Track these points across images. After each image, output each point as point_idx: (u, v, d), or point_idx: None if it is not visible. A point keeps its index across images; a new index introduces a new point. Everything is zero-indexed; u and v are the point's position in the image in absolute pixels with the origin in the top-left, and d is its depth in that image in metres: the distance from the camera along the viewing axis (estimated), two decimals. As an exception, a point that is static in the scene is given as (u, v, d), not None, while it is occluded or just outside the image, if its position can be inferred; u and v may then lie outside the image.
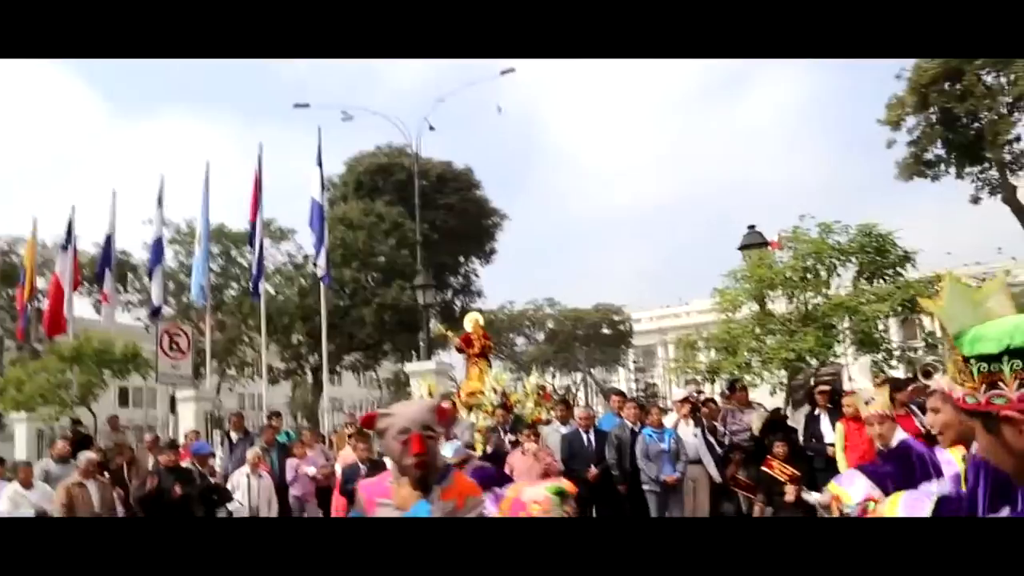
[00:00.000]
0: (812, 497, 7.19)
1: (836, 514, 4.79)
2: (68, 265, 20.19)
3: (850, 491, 4.64)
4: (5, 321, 26.60)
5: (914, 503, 3.06)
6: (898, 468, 4.15)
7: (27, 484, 8.50)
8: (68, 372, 16.39)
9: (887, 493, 4.23)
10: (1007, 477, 1.61)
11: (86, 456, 8.62)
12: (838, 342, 9.38)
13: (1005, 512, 1.90)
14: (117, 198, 20.45)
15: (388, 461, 2.84)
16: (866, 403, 4.74)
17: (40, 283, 24.44)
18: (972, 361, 1.37)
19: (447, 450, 6.02)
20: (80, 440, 12.61)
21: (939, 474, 3.55)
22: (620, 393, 10.71)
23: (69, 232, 20.75)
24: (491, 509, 5.30)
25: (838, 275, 9.62)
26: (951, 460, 3.40)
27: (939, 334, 9.95)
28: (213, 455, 10.20)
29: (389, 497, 2.64)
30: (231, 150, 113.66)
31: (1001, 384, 1.34)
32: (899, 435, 4.45)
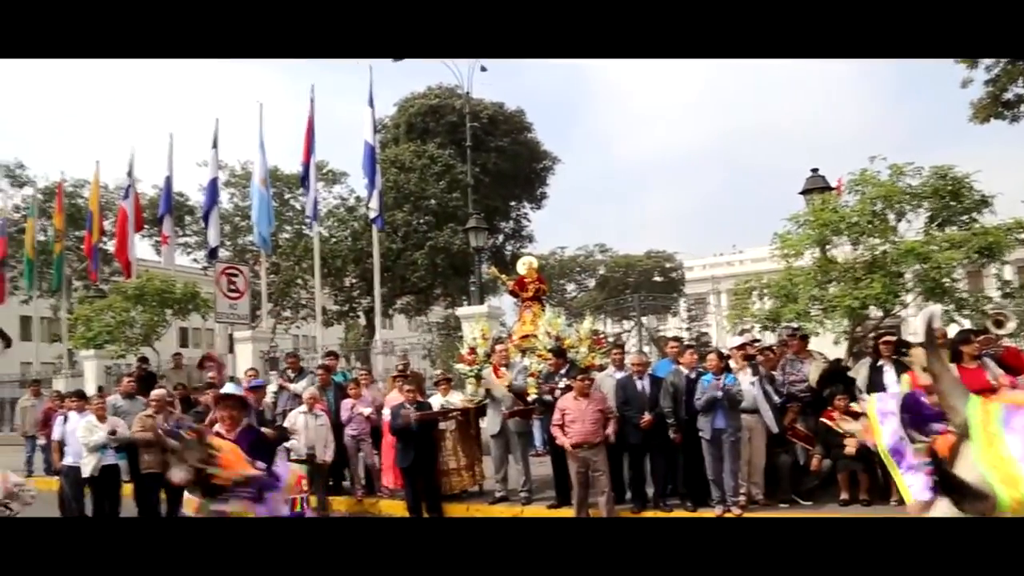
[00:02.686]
0: (849, 425, 7.02)
1: (868, 442, 4.57)
2: (131, 208, 20.72)
3: (883, 428, 4.39)
4: (73, 262, 27.47)
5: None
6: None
7: (101, 417, 9.13)
8: (132, 311, 16.90)
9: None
10: None
11: (157, 393, 9.29)
12: (906, 290, 9.00)
13: None
14: (174, 141, 20.78)
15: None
16: (924, 369, 4.39)
17: (104, 225, 25.15)
18: None
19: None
20: (144, 377, 13.07)
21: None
22: (677, 339, 10.51)
23: (130, 175, 21.23)
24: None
25: (907, 220, 9.19)
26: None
27: (1016, 283, 9.51)
28: (265, 389, 10.49)
29: None
30: (282, 93, 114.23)
31: None
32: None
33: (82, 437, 8.97)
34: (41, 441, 13.71)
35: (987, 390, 7.08)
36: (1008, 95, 22.07)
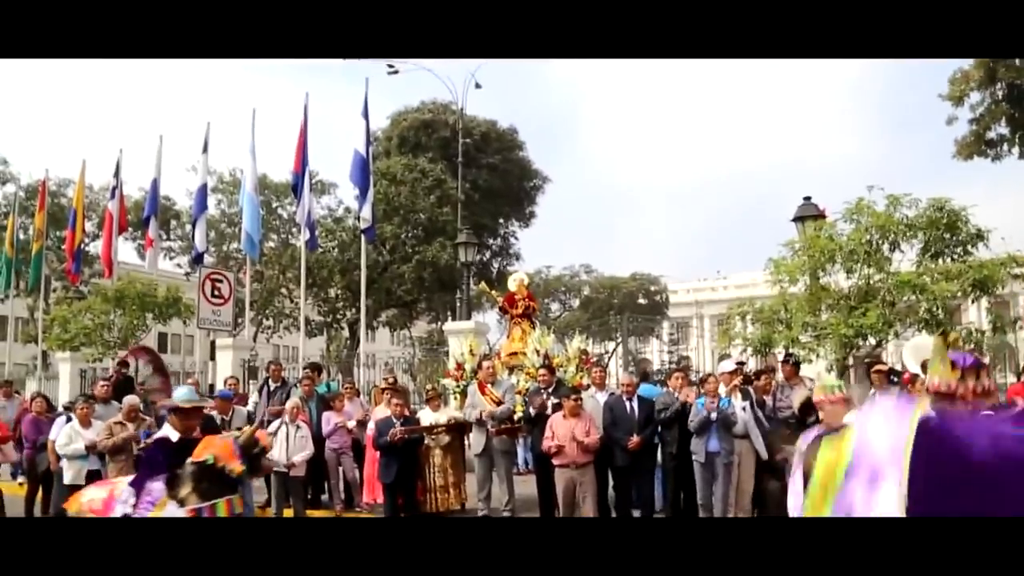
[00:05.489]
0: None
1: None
2: (115, 209, 20.42)
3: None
4: (53, 262, 27.07)
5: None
6: None
7: (85, 423, 8.73)
8: (111, 314, 16.61)
9: None
10: None
11: (128, 400, 8.99)
12: (900, 320, 9.00)
13: None
14: (163, 143, 20.55)
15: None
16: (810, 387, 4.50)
17: (86, 226, 24.81)
18: None
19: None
20: (122, 382, 12.77)
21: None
22: (681, 370, 10.30)
23: (117, 176, 20.95)
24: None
25: (901, 251, 9.21)
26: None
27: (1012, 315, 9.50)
28: (245, 399, 10.24)
29: None
30: (271, 100, 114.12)
31: None
32: (848, 417, 4.01)
33: (61, 445, 8.61)
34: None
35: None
36: (991, 134, 22.49)
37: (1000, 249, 9.05)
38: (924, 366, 7.72)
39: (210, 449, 4.78)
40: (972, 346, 8.94)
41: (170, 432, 5.01)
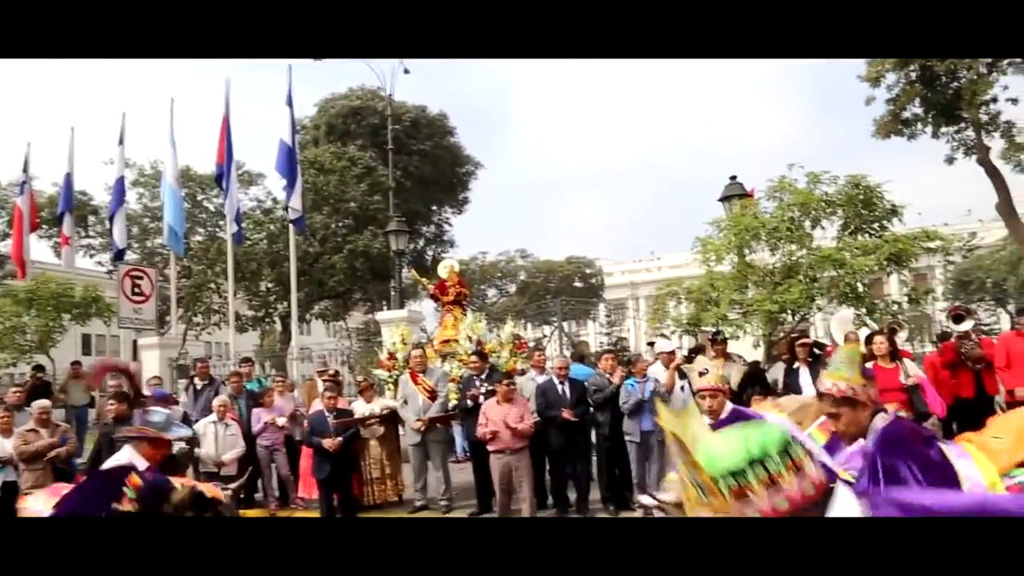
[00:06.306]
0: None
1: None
2: (26, 206, 19.45)
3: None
4: (-41, 263, 25.68)
5: None
6: None
7: (6, 431, 8.32)
8: (24, 316, 15.82)
9: None
10: None
11: (38, 404, 8.58)
12: (821, 295, 9.24)
13: None
14: (76, 135, 19.67)
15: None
16: (700, 374, 4.77)
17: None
18: (719, 479, 1.44)
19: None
20: (37, 387, 12.21)
21: None
22: (611, 352, 10.33)
23: (26, 171, 19.95)
24: None
25: (822, 227, 9.46)
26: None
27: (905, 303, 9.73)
28: (176, 400, 9.89)
29: None
30: (193, 89, 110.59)
31: (749, 494, 1.41)
32: (729, 407, 4.55)
33: None
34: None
35: (896, 389, 7.31)
36: (906, 114, 23.37)
37: (915, 224, 9.34)
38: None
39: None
40: (891, 318, 9.26)
41: (137, 460, 4.70)
